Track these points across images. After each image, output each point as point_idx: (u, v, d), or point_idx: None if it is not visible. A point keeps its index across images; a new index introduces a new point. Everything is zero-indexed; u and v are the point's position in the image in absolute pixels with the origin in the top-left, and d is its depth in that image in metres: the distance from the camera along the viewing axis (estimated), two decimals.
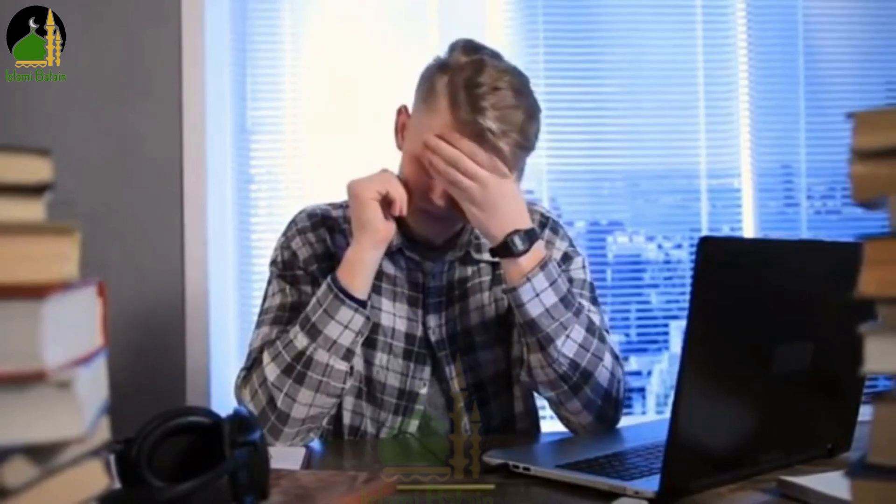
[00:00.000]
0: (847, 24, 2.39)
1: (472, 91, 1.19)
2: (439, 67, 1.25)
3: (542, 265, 1.20)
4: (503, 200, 1.20)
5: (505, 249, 1.21)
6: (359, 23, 2.25)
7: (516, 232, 1.20)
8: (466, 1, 2.25)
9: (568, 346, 1.20)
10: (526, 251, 1.20)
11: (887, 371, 0.55)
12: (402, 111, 1.31)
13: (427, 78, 1.27)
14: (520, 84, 1.23)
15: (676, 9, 2.35)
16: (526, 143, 1.23)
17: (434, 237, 1.33)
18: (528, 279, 1.19)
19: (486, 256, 1.36)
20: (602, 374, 1.23)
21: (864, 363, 0.54)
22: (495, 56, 1.26)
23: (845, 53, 2.39)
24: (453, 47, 1.27)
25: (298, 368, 1.19)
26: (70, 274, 0.50)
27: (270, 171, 2.26)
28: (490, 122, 1.18)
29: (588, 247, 2.34)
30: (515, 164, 1.24)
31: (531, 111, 1.23)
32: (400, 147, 1.32)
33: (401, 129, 1.31)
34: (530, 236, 1.22)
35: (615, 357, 1.27)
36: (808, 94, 2.36)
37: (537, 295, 1.19)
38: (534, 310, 1.19)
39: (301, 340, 1.20)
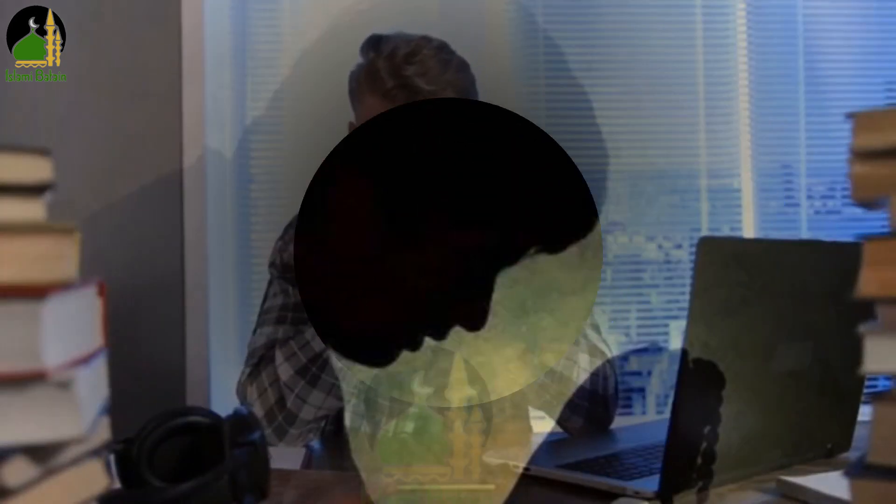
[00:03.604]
0: (847, 24, 2.38)
1: (391, 62, 1.20)
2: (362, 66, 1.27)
3: None
4: None
5: None
6: (359, 23, 2.25)
7: None
8: (466, 1, 2.25)
9: None
10: None
11: (887, 371, 0.55)
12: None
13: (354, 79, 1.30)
14: (438, 45, 1.24)
15: (676, 9, 2.34)
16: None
17: None
18: None
19: None
20: (579, 375, 1.20)
21: (864, 363, 0.54)
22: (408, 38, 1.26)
23: (845, 53, 2.38)
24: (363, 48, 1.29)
25: (313, 370, 1.19)
26: (70, 274, 0.50)
27: (270, 171, 2.26)
28: (419, 83, 1.18)
29: None
30: None
31: (460, 65, 1.24)
32: None
33: None
34: None
35: (595, 354, 1.24)
36: (808, 94, 2.35)
37: None
38: None
39: (319, 343, 1.19)
